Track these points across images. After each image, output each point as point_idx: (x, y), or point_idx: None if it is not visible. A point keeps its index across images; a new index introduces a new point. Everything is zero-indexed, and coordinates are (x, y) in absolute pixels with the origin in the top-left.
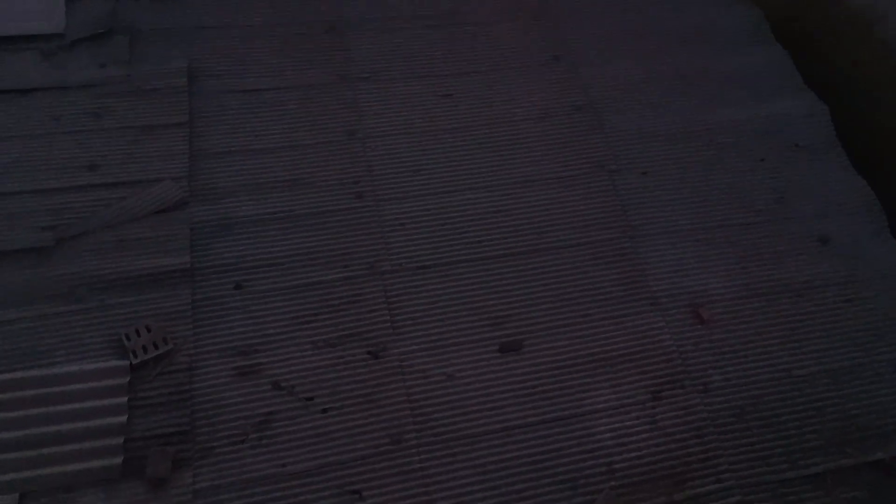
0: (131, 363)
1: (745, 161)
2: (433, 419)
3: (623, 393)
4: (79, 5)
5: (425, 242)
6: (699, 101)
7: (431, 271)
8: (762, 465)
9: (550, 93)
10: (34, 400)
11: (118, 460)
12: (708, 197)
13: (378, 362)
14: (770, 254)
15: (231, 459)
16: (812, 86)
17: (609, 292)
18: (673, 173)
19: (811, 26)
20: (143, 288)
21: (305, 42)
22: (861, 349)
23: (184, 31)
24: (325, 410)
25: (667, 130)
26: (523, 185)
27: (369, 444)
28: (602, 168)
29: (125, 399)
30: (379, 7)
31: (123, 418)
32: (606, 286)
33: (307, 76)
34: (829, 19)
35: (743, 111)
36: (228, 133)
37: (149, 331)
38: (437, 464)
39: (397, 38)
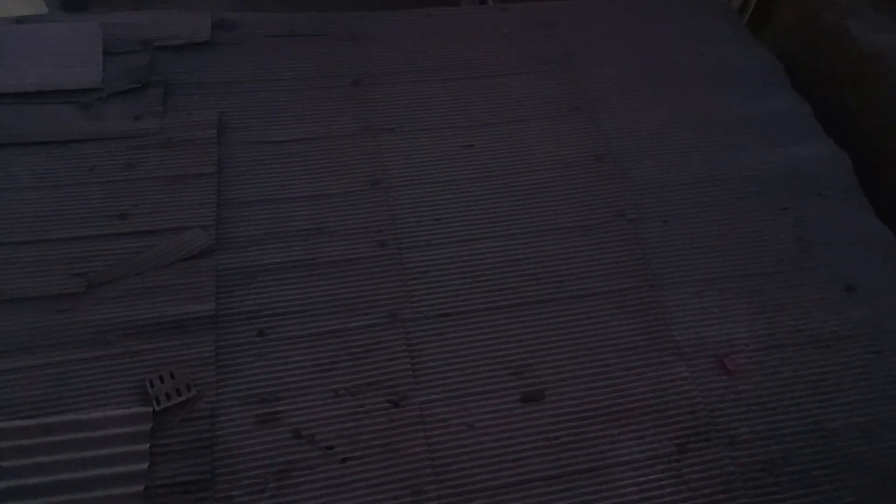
0: (154, 410)
1: (767, 209)
2: (453, 470)
3: (647, 445)
4: (116, 59)
5: (446, 290)
6: (720, 149)
7: (452, 319)
8: None
9: (571, 142)
10: (58, 446)
11: None
12: (731, 245)
13: (398, 411)
14: (795, 303)
15: None
16: (833, 131)
17: (632, 342)
18: (695, 222)
19: (829, 72)
20: (169, 334)
21: (331, 95)
22: (894, 401)
23: (215, 84)
24: (344, 460)
25: (688, 178)
26: (544, 234)
27: (388, 495)
28: (623, 217)
29: (147, 446)
30: (403, 61)
31: (144, 466)
32: (629, 336)
33: (332, 128)
34: (847, 65)
35: (763, 159)
36: (255, 183)
37: (172, 377)
38: None
39: (421, 91)
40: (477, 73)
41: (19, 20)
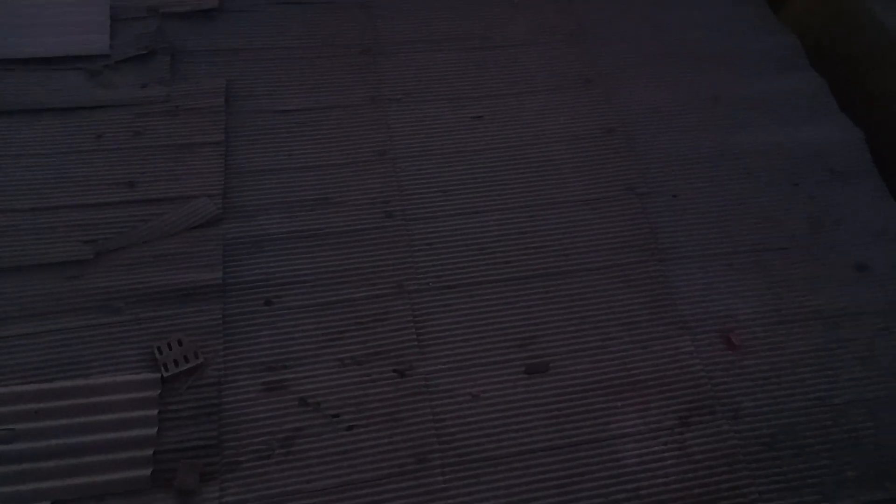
0: (162, 376)
1: (778, 186)
2: (458, 439)
3: (651, 418)
4: (124, 26)
5: (453, 262)
6: (732, 125)
7: (458, 291)
8: (794, 497)
9: (581, 115)
10: (68, 410)
11: (147, 472)
12: (740, 221)
13: (404, 381)
14: (804, 280)
15: (257, 474)
16: (851, 112)
17: (637, 315)
18: (704, 197)
19: (851, 53)
20: (177, 302)
21: (340, 64)
22: None
23: (223, 52)
24: (350, 428)
25: (698, 154)
26: (552, 207)
27: (394, 462)
28: (632, 191)
29: (155, 412)
30: (412, 30)
31: (153, 430)
32: (635, 309)
33: (340, 97)
34: (870, 46)
35: (776, 135)
36: (263, 152)
37: (180, 344)
38: (460, 485)
39: (430, 61)
40: (487, 44)
41: None
